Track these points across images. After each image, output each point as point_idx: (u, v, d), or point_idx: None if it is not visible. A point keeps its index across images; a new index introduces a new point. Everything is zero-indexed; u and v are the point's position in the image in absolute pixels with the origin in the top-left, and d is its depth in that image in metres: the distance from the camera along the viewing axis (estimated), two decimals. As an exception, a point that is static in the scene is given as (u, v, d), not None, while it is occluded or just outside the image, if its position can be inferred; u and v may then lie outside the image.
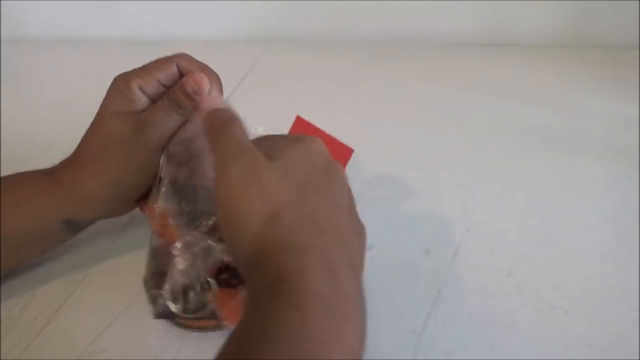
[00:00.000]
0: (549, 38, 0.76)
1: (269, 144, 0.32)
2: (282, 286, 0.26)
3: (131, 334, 0.39)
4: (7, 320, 0.40)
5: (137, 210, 0.43)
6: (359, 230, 0.32)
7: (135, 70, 0.39)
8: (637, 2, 0.69)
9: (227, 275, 0.35)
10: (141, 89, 0.38)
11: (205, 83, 0.38)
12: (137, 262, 0.44)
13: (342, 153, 0.42)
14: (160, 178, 0.38)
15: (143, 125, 0.38)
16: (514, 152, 0.56)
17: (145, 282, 0.38)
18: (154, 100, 0.39)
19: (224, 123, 0.33)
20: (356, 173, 0.48)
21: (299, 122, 0.43)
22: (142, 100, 0.39)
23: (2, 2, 0.77)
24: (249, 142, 0.31)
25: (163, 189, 0.37)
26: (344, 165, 0.41)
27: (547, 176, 0.52)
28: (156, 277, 0.37)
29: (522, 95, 0.65)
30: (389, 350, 0.38)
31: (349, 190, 0.33)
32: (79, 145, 0.40)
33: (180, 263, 0.34)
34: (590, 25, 0.74)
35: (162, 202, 0.37)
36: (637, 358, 0.37)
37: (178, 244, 0.35)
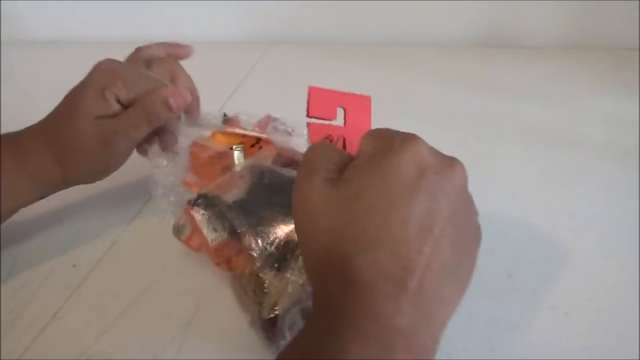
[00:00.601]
0: (550, 40, 0.76)
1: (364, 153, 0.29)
2: (342, 316, 0.25)
3: (131, 335, 0.39)
4: (7, 322, 0.40)
5: (135, 216, 0.43)
6: (465, 243, 0.28)
7: (121, 73, 0.40)
8: (638, 4, 0.69)
9: None
10: (118, 96, 0.40)
11: (188, 97, 0.40)
12: (137, 263, 0.44)
13: (364, 104, 0.42)
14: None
15: (113, 135, 0.40)
16: (515, 153, 0.56)
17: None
18: (124, 105, 0.41)
19: (313, 155, 0.31)
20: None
21: (314, 92, 0.41)
22: (115, 106, 0.40)
23: (2, 3, 0.77)
24: (326, 168, 0.29)
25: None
26: (369, 114, 0.41)
27: (548, 177, 0.52)
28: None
29: (523, 95, 0.65)
30: (389, 352, 0.38)
31: (458, 196, 0.28)
32: (48, 125, 0.42)
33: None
34: (591, 27, 0.74)
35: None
36: (638, 359, 0.37)
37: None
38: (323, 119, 0.40)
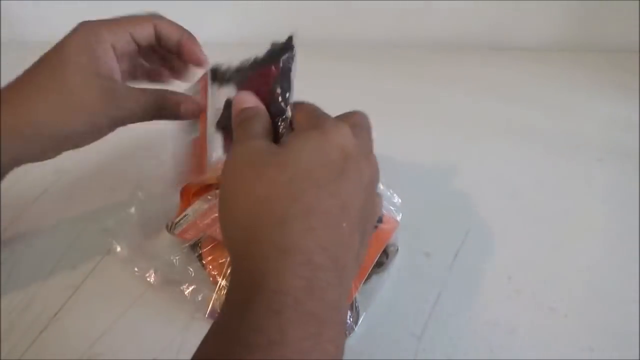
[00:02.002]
0: (551, 42, 0.76)
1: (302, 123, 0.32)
2: (261, 288, 0.25)
3: (131, 336, 0.39)
4: (7, 323, 0.40)
5: (134, 217, 0.43)
6: (365, 232, 0.30)
7: (106, 22, 0.36)
8: (638, 7, 0.70)
9: None
10: (113, 46, 0.36)
11: (199, 107, 0.39)
12: (136, 264, 0.44)
13: None
14: None
15: (116, 100, 0.36)
16: (515, 155, 0.56)
17: None
18: (120, 61, 0.37)
19: (246, 118, 0.32)
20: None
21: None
22: (109, 63, 0.36)
23: (1, 4, 0.77)
24: (261, 133, 0.31)
25: None
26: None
27: (548, 179, 0.53)
28: None
29: (524, 98, 0.65)
30: (389, 353, 0.38)
31: (366, 189, 0.30)
32: (25, 81, 0.36)
33: None
34: (591, 29, 0.74)
35: None
36: (637, 361, 0.37)
37: None
38: None
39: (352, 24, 0.78)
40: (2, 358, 0.38)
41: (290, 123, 0.33)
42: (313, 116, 0.32)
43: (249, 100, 0.34)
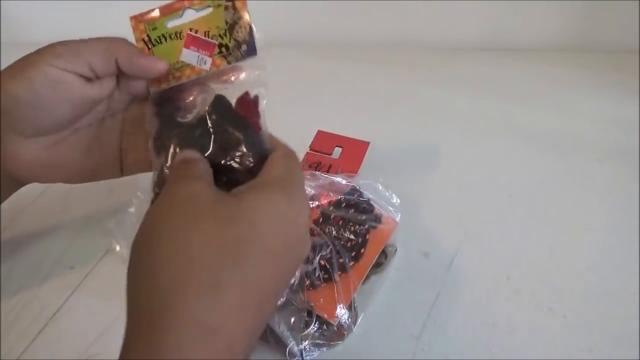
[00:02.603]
0: (551, 42, 0.76)
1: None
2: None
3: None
4: (6, 323, 0.40)
5: (133, 217, 0.43)
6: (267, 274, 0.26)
7: (62, 49, 0.33)
8: (638, 7, 0.69)
9: None
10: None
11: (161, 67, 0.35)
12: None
13: (360, 147, 0.49)
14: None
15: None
16: (514, 155, 0.56)
17: None
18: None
19: (187, 159, 0.30)
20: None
21: (320, 134, 0.50)
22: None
23: (1, 5, 0.77)
24: (204, 175, 0.28)
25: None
26: (362, 157, 0.48)
27: (547, 179, 0.52)
28: None
29: (523, 98, 0.65)
30: (387, 354, 0.38)
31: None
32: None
33: None
34: (591, 29, 0.74)
35: None
36: (636, 362, 0.37)
37: None
38: (321, 152, 0.48)
39: (352, 25, 0.78)
40: (2, 357, 0.38)
41: (250, 167, 0.31)
42: (287, 172, 0.28)
43: (193, 154, 0.31)
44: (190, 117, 0.34)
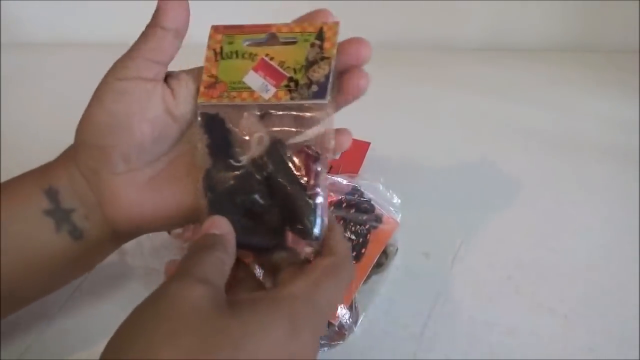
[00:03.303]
0: (551, 42, 0.76)
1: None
2: None
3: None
4: (6, 324, 0.40)
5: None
6: None
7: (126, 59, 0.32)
8: (638, 7, 0.70)
9: None
10: None
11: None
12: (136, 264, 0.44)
13: (361, 148, 0.49)
14: None
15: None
16: (515, 155, 0.56)
17: None
18: None
19: (201, 247, 0.25)
20: (356, 176, 0.48)
21: None
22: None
23: (1, 5, 0.77)
24: (210, 275, 0.24)
25: None
26: (362, 157, 0.48)
27: (547, 179, 0.52)
28: None
29: (523, 98, 0.65)
30: (388, 354, 0.38)
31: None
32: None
33: None
34: (591, 29, 0.74)
35: None
36: (637, 362, 0.37)
37: None
38: None
39: (352, 26, 0.78)
40: (2, 357, 0.38)
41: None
42: (315, 292, 0.24)
43: (221, 225, 0.27)
44: (244, 160, 0.31)
